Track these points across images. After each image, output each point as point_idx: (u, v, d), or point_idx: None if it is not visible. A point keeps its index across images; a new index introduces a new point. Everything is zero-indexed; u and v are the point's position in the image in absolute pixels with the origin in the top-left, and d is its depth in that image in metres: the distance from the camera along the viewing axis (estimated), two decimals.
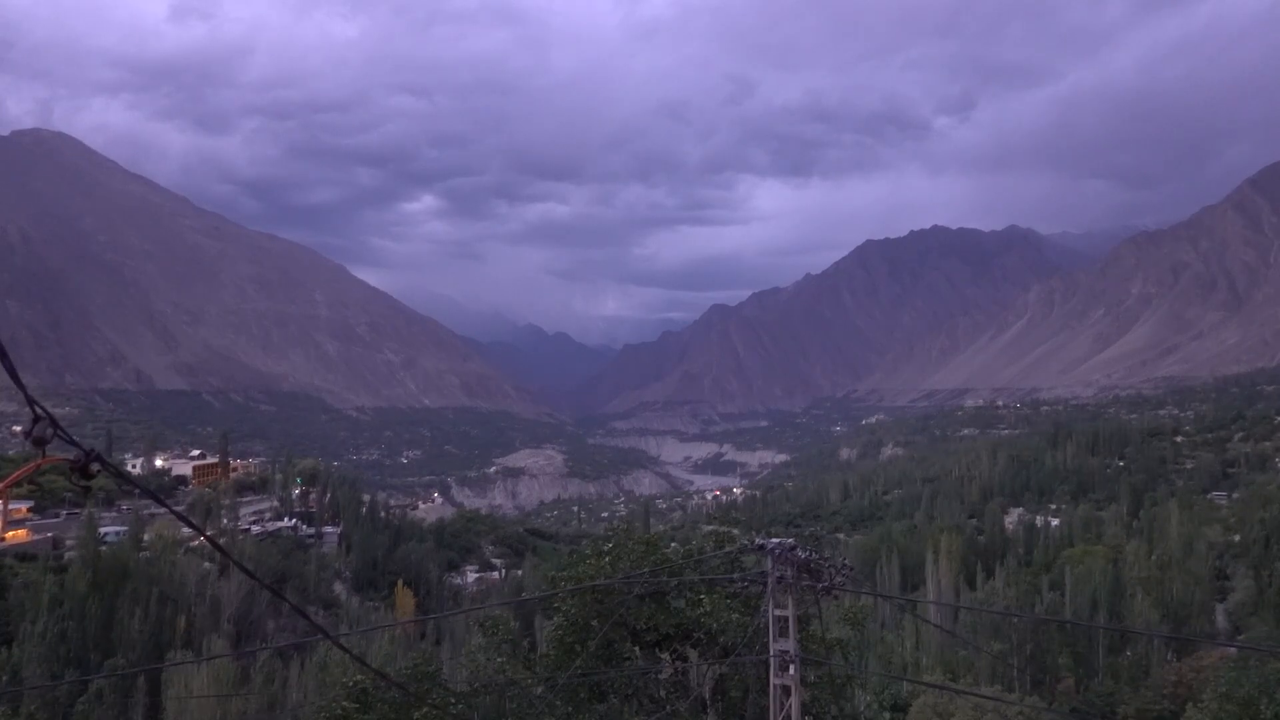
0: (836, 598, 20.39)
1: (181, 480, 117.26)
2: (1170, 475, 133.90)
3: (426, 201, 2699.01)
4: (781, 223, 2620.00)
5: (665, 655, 22.12)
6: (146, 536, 70.74)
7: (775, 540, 15.72)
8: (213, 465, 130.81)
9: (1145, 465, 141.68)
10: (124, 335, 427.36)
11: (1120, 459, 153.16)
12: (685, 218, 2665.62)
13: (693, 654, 21.69)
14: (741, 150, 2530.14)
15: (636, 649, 22.17)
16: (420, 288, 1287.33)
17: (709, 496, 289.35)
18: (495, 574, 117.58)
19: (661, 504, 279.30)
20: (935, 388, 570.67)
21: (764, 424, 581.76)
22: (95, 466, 4.97)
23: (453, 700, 22.00)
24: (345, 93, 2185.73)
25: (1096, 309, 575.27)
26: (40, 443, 4.69)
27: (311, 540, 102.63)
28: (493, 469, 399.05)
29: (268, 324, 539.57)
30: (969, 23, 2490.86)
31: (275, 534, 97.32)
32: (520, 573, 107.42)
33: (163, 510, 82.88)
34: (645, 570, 22.61)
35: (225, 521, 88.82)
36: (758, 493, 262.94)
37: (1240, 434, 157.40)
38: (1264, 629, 55.89)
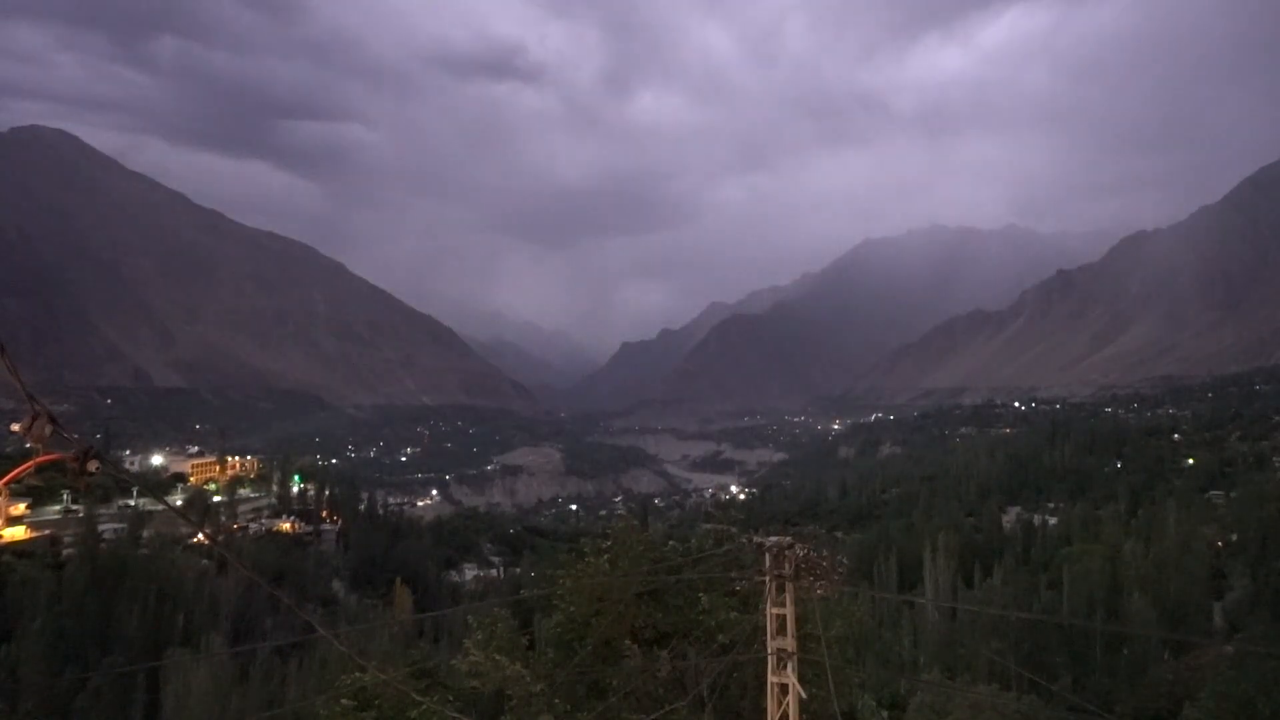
0: (835, 596, 20.40)
1: (180, 478, 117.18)
2: (1168, 474, 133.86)
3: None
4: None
5: (664, 653, 22.13)
6: (145, 534, 70.69)
7: (773, 538, 15.72)
8: (211, 463, 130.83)
9: (1143, 464, 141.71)
10: (122, 332, 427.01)
11: (1118, 458, 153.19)
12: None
13: (691, 652, 21.70)
14: None
15: (635, 647, 22.18)
16: (418, 285, 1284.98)
17: (707, 494, 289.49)
18: (494, 572, 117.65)
19: (660, 502, 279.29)
20: (933, 386, 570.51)
21: (762, 422, 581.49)
22: (93, 464, 4.97)
23: (450, 699, 22.01)
24: None
25: (1095, 308, 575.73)
26: (39, 439, 4.69)
27: (310, 538, 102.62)
28: (491, 467, 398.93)
29: (266, 321, 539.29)
30: None
31: (273, 532, 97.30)
32: (519, 571, 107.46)
33: (161, 507, 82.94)
34: (644, 569, 22.64)
35: (223, 519, 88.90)
36: (756, 491, 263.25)
37: (1238, 433, 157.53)
38: (1261, 628, 55.95)
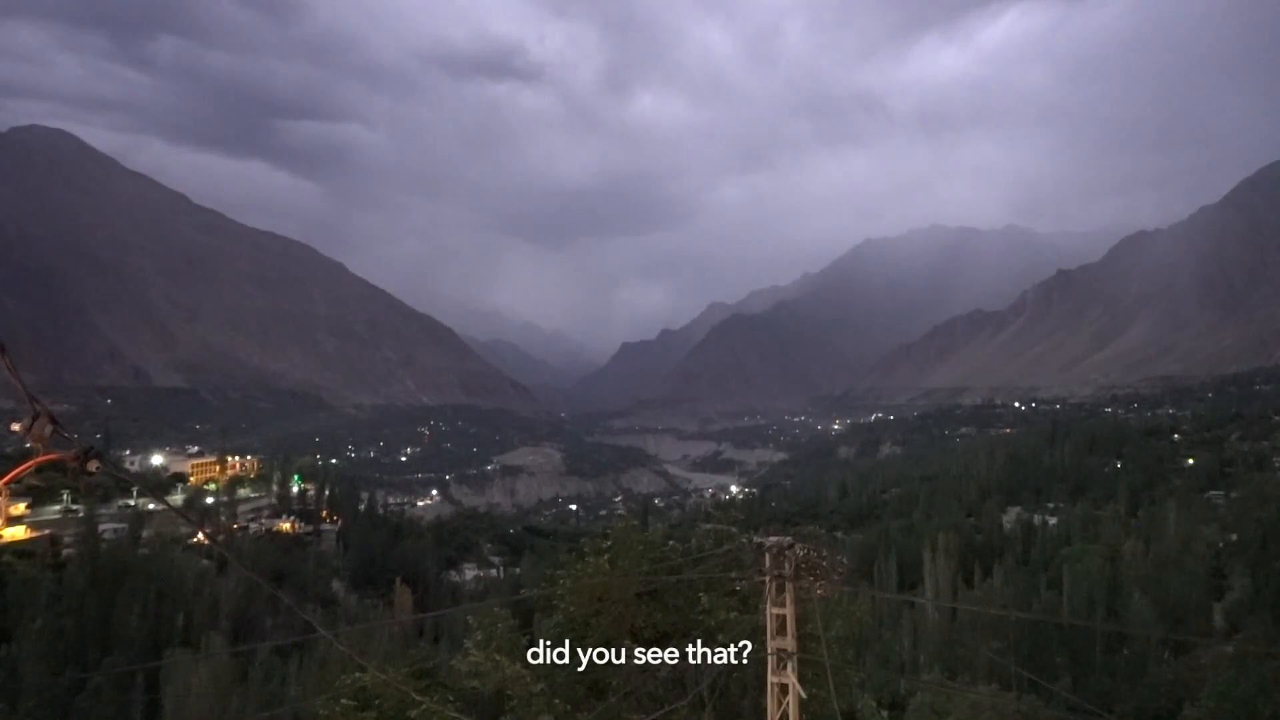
0: (835, 596, 20.40)
1: (180, 478, 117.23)
2: (1168, 474, 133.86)
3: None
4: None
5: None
6: (145, 534, 70.68)
7: (773, 538, 15.71)
8: (211, 463, 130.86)
9: (1143, 464, 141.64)
10: (122, 332, 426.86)
11: (1118, 458, 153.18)
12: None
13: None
14: None
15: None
16: (418, 285, 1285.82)
17: (707, 494, 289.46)
18: (494, 572, 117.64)
19: (660, 502, 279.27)
20: (933, 386, 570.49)
21: (762, 422, 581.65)
22: (93, 464, 4.97)
23: (450, 699, 22.01)
24: None
25: (1094, 308, 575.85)
26: (39, 439, 4.69)
27: (310, 538, 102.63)
28: (491, 467, 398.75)
29: (266, 321, 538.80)
30: None
31: (273, 532, 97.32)
32: (519, 571, 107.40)
33: (161, 507, 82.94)
34: (644, 569, 22.64)
35: (223, 519, 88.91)
36: (756, 491, 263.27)
37: (1238, 433, 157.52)
38: (1261, 628, 55.95)
